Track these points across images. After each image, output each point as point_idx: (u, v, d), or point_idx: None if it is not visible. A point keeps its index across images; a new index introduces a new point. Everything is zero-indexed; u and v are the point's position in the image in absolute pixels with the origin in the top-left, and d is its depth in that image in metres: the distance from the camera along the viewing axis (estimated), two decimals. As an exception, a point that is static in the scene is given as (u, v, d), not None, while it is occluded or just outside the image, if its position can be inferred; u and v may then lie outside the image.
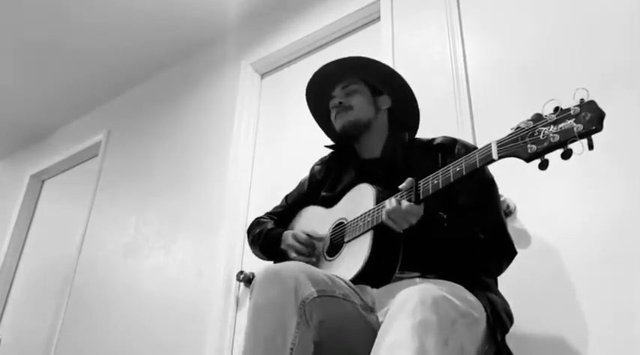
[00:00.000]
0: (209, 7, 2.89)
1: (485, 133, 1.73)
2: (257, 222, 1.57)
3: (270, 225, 1.51)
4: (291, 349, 0.97)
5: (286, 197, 1.60)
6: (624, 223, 1.39)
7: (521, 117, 1.67)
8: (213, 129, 2.79)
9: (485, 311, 1.09)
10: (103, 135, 3.47)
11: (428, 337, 0.87)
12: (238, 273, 2.22)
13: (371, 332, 1.09)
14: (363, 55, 1.47)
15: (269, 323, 1.00)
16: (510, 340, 1.18)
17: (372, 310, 1.14)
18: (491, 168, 1.26)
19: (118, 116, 3.52)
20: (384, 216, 1.13)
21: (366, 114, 1.43)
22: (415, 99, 1.47)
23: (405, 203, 1.10)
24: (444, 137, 1.37)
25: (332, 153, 1.56)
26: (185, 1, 2.86)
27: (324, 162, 1.55)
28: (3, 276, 3.54)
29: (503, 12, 1.91)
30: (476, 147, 1.28)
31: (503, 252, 1.21)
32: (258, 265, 1.76)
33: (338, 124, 1.45)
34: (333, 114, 1.47)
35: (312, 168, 1.58)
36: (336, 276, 1.13)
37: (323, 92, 1.51)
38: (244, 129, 2.61)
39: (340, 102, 1.43)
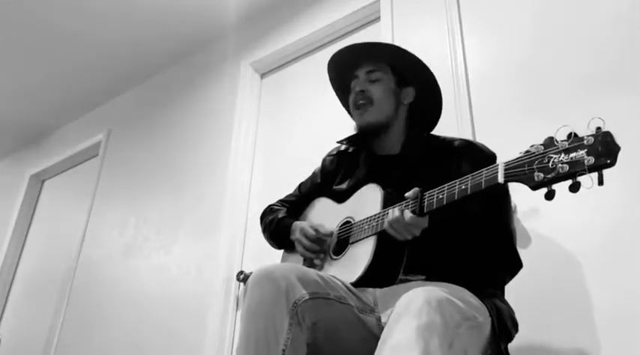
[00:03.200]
0: (209, 7, 2.89)
1: (486, 133, 1.73)
2: (270, 210, 1.56)
3: (281, 213, 1.50)
4: (283, 350, 0.97)
5: (299, 186, 1.60)
6: (624, 223, 1.39)
7: (520, 117, 1.68)
8: (213, 129, 2.79)
9: (491, 316, 1.08)
10: (103, 135, 3.47)
11: (432, 339, 0.87)
12: (238, 273, 2.22)
13: (368, 334, 1.09)
14: (396, 44, 1.44)
15: (261, 325, 0.99)
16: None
17: (371, 311, 1.13)
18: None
19: (118, 116, 3.52)
20: (386, 225, 1.13)
21: (385, 114, 1.38)
22: (441, 99, 1.44)
23: (407, 215, 1.10)
24: (462, 140, 1.35)
25: (343, 145, 1.53)
26: (185, 1, 2.86)
27: (336, 154, 1.54)
28: (3, 276, 3.54)
29: (503, 12, 1.91)
30: (493, 153, 1.28)
31: (508, 263, 1.20)
32: (258, 265, 1.76)
33: (357, 121, 1.41)
34: (352, 98, 1.42)
35: (324, 159, 1.56)
36: (334, 278, 1.13)
37: (349, 67, 1.46)
38: (244, 129, 2.61)
39: (362, 91, 1.38)
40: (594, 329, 1.33)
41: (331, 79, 1.55)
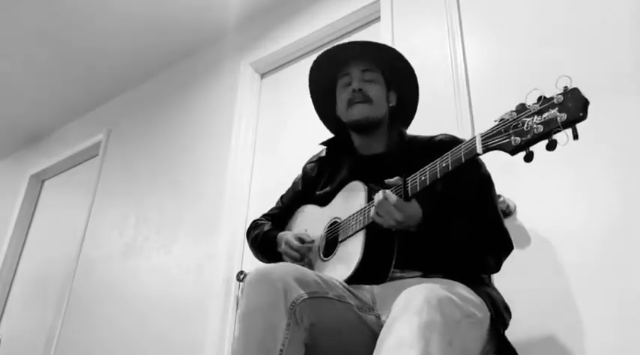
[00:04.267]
0: (209, 7, 2.89)
1: (485, 133, 1.73)
2: (254, 225, 1.56)
3: (266, 227, 1.50)
4: (281, 350, 0.97)
5: (282, 197, 1.60)
6: (623, 222, 1.39)
7: (521, 117, 1.68)
8: (213, 129, 2.79)
9: (489, 310, 1.09)
10: (103, 135, 3.47)
11: (433, 338, 0.87)
12: (238, 273, 2.22)
13: (368, 332, 1.09)
14: (386, 44, 1.44)
15: (259, 325, 0.99)
16: (509, 339, 1.18)
17: (370, 309, 1.13)
18: (492, 168, 1.27)
19: (118, 116, 3.52)
20: (372, 213, 1.13)
21: (381, 112, 1.39)
22: (416, 107, 1.47)
23: (392, 197, 1.09)
24: (445, 135, 1.35)
25: (325, 150, 1.53)
26: (185, 2, 2.86)
27: (317, 160, 1.54)
28: (3, 276, 3.54)
29: (503, 12, 1.91)
30: None
31: (501, 246, 1.20)
32: (257, 265, 1.77)
33: (355, 114, 1.37)
34: (346, 94, 1.39)
35: (305, 166, 1.56)
36: (330, 277, 1.12)
37: (334, 68, 1.45)
38: (244, 129, 2.61)
39: (360, 89, 1.36)
40: (592, 328, 1.33)
41: (314, 79, 1.52)
